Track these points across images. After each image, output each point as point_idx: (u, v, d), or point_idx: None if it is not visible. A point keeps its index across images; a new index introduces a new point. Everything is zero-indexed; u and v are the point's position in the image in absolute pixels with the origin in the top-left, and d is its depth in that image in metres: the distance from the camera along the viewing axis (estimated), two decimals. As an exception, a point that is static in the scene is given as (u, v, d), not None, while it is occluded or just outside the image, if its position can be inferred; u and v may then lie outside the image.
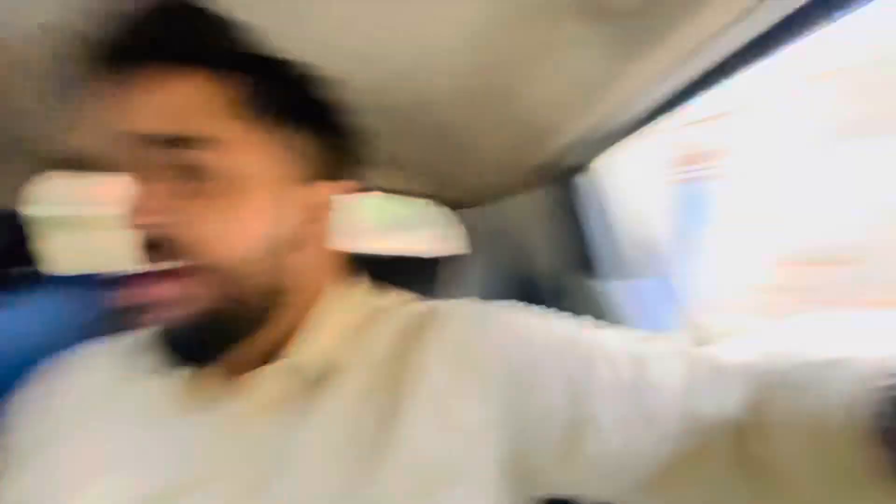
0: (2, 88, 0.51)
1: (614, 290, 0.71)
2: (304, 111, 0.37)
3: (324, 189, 0.38)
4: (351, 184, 0.40)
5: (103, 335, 0.44)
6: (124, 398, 0.37)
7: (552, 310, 0.45)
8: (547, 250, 0.79)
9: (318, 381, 0.35)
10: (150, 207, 0.30)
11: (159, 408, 0.36)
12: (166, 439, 0.35)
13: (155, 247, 0.31)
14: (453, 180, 0.93)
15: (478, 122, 0.66)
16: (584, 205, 0.72)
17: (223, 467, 0.34)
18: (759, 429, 0.30)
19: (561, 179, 0.73)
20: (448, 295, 0.70)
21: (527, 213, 0.82)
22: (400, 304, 0.42)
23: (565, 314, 0.42)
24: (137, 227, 0.31)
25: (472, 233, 1.04)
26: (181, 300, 0.31)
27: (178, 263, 0.31)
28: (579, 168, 0.71)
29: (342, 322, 0.38)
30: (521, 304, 0.44)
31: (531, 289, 0.83)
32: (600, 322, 0.46)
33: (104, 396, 0.38)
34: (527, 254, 0.88)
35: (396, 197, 0.99)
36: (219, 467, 0.34)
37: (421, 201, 1.04)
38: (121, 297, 0.32)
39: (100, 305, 0.62)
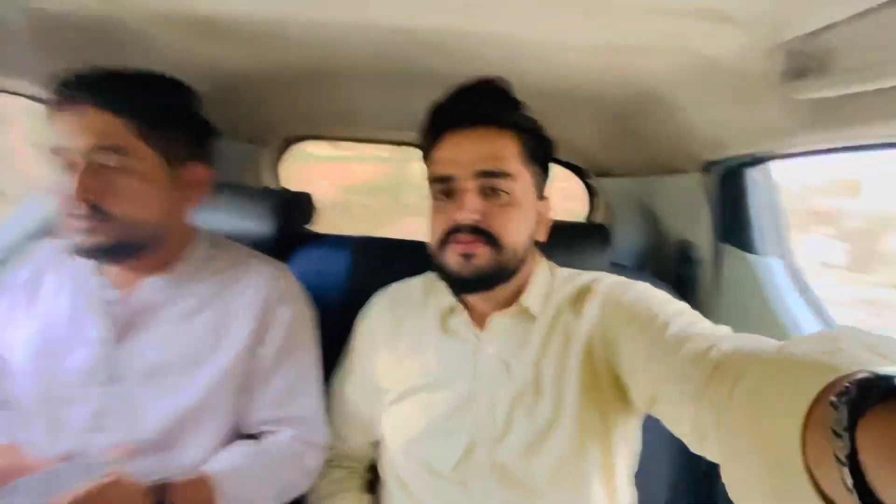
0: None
1: (769, 265, 0.80)
2: (542, 155, 0.59)
3: (548, 203, 0.61)
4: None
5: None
6: (427, 311, 0.64)
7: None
8: (704, 225, 0.87)
9: (528, 319, 0.59)
10: (477, 210, 0.54)
11: (441, 320, 0.62)
12: (445, 344, 0.61)
13: (475, 231, 0.54)
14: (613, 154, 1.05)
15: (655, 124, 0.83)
16: (748, 189, 0.81)
17: (474, 369, 0.59)
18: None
19: (724, 170, 0.82)
20: (596, 256, 0.81)
21: (685, 190, 0.90)
22: (570, 277, 0.63)
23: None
24: (467, 219, 0.54)
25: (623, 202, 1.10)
26: (480, 258, 0.54)
27: (482, 240, 0.54)
28: (744, 164, 0.79)
29: (543, 286, 0.61)
30: (649, 278, 0.65)
31: (683, 255, 0.91)
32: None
33: (416, 311, 0.65)
34: (682, 225, 0.94)
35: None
36: (470, 368, 0.59)
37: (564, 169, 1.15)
38: (450, 250, 0.55)
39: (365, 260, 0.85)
